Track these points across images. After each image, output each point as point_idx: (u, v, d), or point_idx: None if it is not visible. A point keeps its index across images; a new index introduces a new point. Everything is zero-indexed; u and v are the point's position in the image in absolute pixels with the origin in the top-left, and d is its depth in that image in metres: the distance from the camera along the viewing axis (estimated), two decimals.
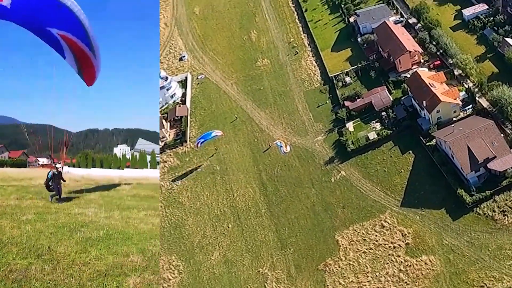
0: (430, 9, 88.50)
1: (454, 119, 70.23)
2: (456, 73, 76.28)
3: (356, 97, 79.77)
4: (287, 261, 63.98)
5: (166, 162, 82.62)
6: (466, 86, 73.99)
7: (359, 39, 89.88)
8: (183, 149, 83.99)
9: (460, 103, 71.25)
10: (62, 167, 52.89)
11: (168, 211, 73.83)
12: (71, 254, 27.41)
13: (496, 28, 79.51)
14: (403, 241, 61.15)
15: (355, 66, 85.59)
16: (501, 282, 53.72)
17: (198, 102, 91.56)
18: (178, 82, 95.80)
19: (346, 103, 79.74)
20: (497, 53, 76.16)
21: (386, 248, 61.23)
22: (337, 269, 60.97)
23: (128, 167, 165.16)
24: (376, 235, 62.94)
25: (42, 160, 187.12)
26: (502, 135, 63.90)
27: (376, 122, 76.25)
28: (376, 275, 59.06)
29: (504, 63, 73.96)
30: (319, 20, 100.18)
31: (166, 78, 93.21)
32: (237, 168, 77.71)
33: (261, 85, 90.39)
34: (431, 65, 79.86)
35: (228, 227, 69.99)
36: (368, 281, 58.81)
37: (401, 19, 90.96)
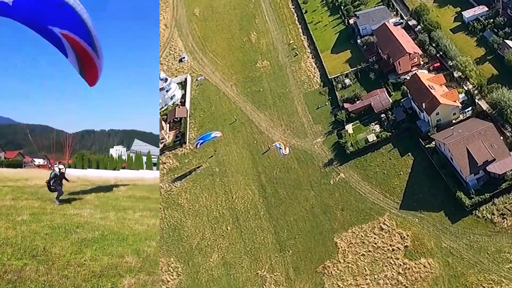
0: (430, 11, 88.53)
1: (454, 121, 70.16)
2: (455, 75, 76.24)
3: (356, 99, 79.72)
4: (285, 264, 63.84)
5: (165, 163, 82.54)
6: (466, 88, 73.92)
7: (358, 41, 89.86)
8: (182, 150, 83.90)
9: (460, 105, 71.18)
10: (66, 168, 52.83)
11: (167, 212, 73.72)
12: (66, 255, 27.25)
13: (496, 30, 79.56)
14: (402, 244, 61.02)
15: (355, 68, 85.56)
16: (500, 285, 53.60)
17: (197, 103, 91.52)
18: (177, 83, 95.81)
19: (346, 105, 79.65)
20: (497, 55, 76.15)
21: (385, 251, 61.07)
22: (336, 272, 60.81)
23: (124, 168, 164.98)
24: (375, 238, 62.80)
25: (38, 161, 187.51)
26: (501, 137, 63.83)
27: (375, 124, 76.15)
28: (375, 278, 58.90)
29: (504, 65, 73.90)
30: (319, 22, 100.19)
31: (166, 80, 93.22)
32: (236, 170, 77.61)
33: (260, 87, 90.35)
34: (431, 67, 79.82)
35: (227, 229, 69.85)
36: (366, 284, 58.66)
37: (401, 21, 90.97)
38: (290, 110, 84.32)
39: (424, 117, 71.59)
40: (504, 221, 58.68)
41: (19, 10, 34.87)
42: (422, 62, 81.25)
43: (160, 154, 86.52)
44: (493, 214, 59.59)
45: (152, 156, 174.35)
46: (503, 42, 75.72)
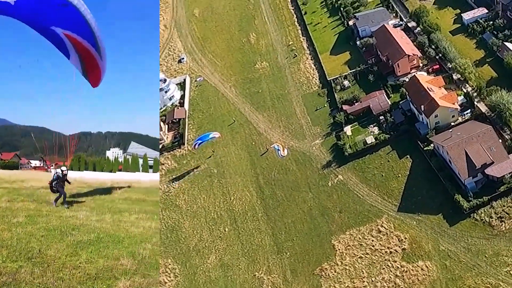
0: (430, 13, 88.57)
1: (452, 123, 70.08)
2: (455, 77, 76.20)
3: (354, 101, 79.69)
4: (283, 265, 63.73)
5: (163, 164, 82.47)
6: (465, 91, 73.86)
7: (358, 43, 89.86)
8: (180, 151, 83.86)
9: (459, 107, 71.05)
10: (67, 170, 52.66)
11: (165, 214, 73.62)
12: (61, 257, 27.13)
13: (495, 33, 79.53)
14: (399, 246, 60.88)
15: (354, 70, 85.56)
16: None
17: (196, 104, 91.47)
18: (176, 84, 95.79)
19: (344, 107, 79.60)
20: (496, 57, 76.11)
21: (383, 253, 60.95)
22: (333, 274, 60.69)
23: (120, 170, 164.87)
24: (372, 240, 62.68)
25: (35, 163, 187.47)
26: (500, 140, 63.67)
27: (374, 126, 76.07)
28: (372, 280, 58.77)
29: (503, 68, 73.84)
30: (318, 23, 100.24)
31: (165, 80, 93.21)
32: (234, 171, 77.52)
33: (259, 88, 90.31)
34: (430, 69, 79.80)
35: (225, 230, 69.76)
36: (364, 286, 58.55)
37: (400, 22, 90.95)
38: (288, 112, 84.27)
39: (422, 120, 71.51)
40: (502, 224, 58.59)
41: (21, 10, 34.59)
42: (421, 64, 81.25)
43: (160, 155, 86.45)
44: (491, 217, 59.46)
45: (148, 159, 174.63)
46: (502, 44, 75.69)
